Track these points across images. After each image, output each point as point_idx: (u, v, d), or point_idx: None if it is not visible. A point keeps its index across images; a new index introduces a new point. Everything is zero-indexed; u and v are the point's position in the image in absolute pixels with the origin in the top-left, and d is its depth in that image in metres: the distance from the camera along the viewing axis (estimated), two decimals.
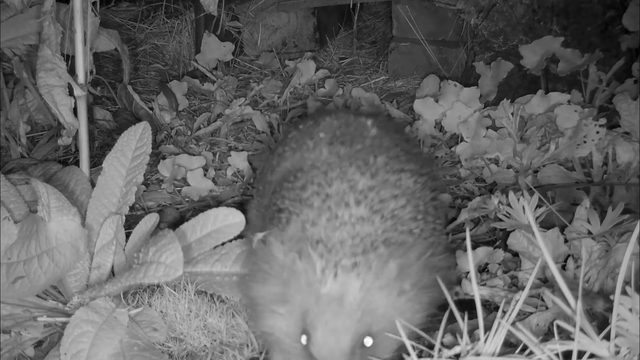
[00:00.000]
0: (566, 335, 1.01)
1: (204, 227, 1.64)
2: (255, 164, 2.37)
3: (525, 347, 1.02)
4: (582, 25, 2.72)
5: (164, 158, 2.38)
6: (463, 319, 1.04)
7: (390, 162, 1.33)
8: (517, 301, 1.05)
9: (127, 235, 1.62)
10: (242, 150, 2.48)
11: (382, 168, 1.30)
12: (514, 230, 1.62)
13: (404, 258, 1.16)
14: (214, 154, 2.48)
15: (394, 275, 1.14)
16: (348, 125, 1.48)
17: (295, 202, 1.28)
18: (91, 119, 2.47)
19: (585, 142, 2.19)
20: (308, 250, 1.16)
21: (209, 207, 1.70)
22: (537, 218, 1.64)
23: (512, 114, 2.32)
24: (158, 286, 1.57)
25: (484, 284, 1.64)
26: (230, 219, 1.57)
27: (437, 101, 2.47)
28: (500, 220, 1.66)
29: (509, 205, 1.62)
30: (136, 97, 2.63)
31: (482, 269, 1.72)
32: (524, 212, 1.59)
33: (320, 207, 1.23)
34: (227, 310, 1.51)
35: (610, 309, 1.00)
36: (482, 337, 1.03)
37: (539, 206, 1.63)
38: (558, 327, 1.13)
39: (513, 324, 1.05)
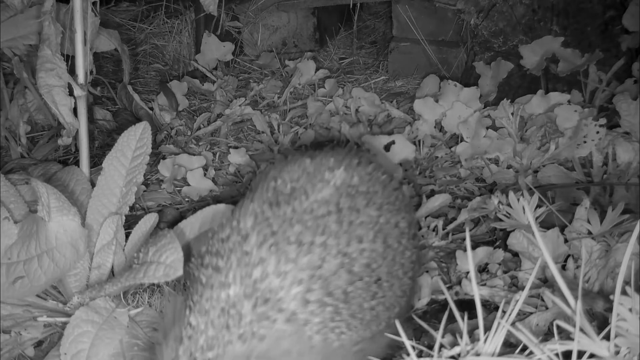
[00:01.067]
0: (566, 335, 1.01)
1: (203, 225, 1.64)
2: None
3: (525, 347, 1.02)
4: (582, 25, 2.72)
5: (164, 158, 2.38)
6: (463, 319, 1.04)
7: (305, 231, 1.12)
8: (517, 301, 1.05)
9: (127, 235, 1.62)
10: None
11: (286, 239, 1.11)
12: (514, 230, 1.62)
13: (267, 355, 1.04)
14: (214, 154, 2.48)
15: None
16: (307, 175, 1.25)
17: (194, 269, 1.18)
18: (91, 119, 2.47)
19: (585, 142, 2.19)
20: (177, 330, 1.10)
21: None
22: (537, 218, 1.64)
23: (512, 114, 2.32)
24: (158, 286, 1.57)
25: (484, 284, 1.64)
26: (228, 216, 1.57)
27: (437, 101, 2.48)
28: (500, 220, 1.66)
29: (509, 205, 1.62)
30: (136, 97, 2.63)
31: (482, 269, 1.72)
32: (524, 212, 1.59)
33: (206, 283, 1.10)
34: None
35: (610, 309, 1.00)
36: (482, 337, 1.03)
37: (539, 206, 1.63)
38: (558, 327, 1.13)
39: (513, 324, 1.05)
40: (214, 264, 1.12)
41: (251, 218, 1.16)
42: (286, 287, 1.07)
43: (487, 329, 1.03)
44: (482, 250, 1.71)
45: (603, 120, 2.20)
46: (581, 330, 0.94)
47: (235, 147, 2.49)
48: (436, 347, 1.03)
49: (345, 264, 1.13)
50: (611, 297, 0.97)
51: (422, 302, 1.63)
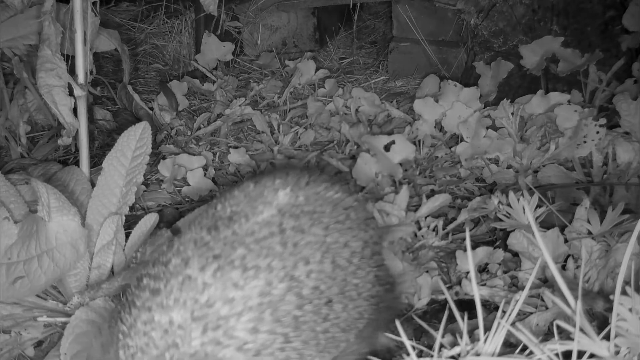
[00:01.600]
0: (566, 335, 1.01)
1: None
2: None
3: (525, 347, 1.02)
4: (582, 25, 2.72)
5: (164, 158, 2.38)
6: (463, 319, 1.04)
7: (249, 255, 1.08)
8: (517, 301, 1.05)
9: (127, 235, 1.62)
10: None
11: (230, 263, 1.06)
12: (514, 230, 1.62)
13: None
14: (214, 154, 2.48)
15: None
16: (249, 198, 1.19)
17: (128, 294, 1.12)
18: (91, 119, 2.47)
19: (585, 142, 2.19)
20: (113, 356, 1.06)
21: None
22: (537, 218, 1.64)
23: (512, 114, 2.32)
24: None
25: (484, 284, 1.64)
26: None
27: (437, 101, 2.48)
28: (500, 220, 1.66)
29: (509, 205, 1.62)
30: (136, 97, 2.63)
31: (482, 269, 1.72)
32: (524, 212, 1.59)
33: (142, 306, 1.05)
34: None
35: (610, 309, 1.00)
36: (482, 337, 1.03)
37: (539, 206, 1.63)
38: (558, 327, 1.13)
39: (513, 324, 1.05)
40: (152, 286, 1.07)
41: (191, 244, 1.11)
42: (236, 315, 1.03)
43: (487, 329, 1.03)
44: (482, 250, 1.71)
45: (603, 120, 2.20)
46: (581, 330, 0.94)
47: (235, 147, 2.49)
48: (436, 347, 1.03)
49: (293, 288, 1.08)
50: (611, 297, 0.97)
51: (422, 302, 1.63)
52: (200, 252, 1.08)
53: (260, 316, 1.04)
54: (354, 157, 2.33)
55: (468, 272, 1.69)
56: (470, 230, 1.89)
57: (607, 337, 0.96)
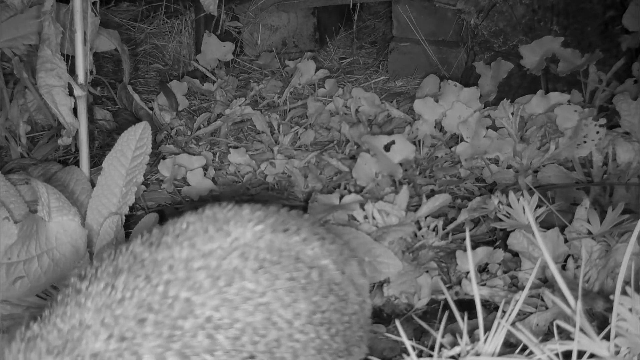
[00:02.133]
0: (566, 335, 1.01)
1: None
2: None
3: (525, 347, 1.02)
4: (582, 25, 2.72)
5: (164, 158, 2.38)
6: (463, 319, 1.04)
7: (173, 282, 1.04)
8: (517, 301, 1.05)
9: (127, 235, 1.62)
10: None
11: (154, 286, 1.03)
12: (514, 230, 1.62)
13: None
14: (214, 154, 2.48)
15: None
16: (212, 222, 1.14)
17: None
18: (91, 119, 2.47)
19: (585, 142, 2.20)
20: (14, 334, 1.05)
21: None
22: (537, 218, 1.64)
23: (512, 114, 2.32)
24: None
25: (484, 284, 1.64)
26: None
27: (437, 101, 2.48)
28: (500, 220, 1.66)
29: (509, 205, 1.62)
30: (136, 97, 2.63)
31: (482, 269, 1.72)
32: (524, 212, 1.59)
33: (61, 301, 1.05)
34: None
35: (610, 309, 1.00)
36: (482, 337, 1.03)
37: (539, 206, 1.64)
38: (558, 327, 1.13)
39: (513, 324, 1.05)
40: (76, 286, 1.06)
41: (131, 257, 1.09)
42: (144, 335, 1.00)
43: (487, 329, 1.03)
44: (482, 250, 1.71)
45: (603, 120, 2.20)
46: (581, 330, 0.95)
47: (235, 147, 2.49)
48: (436, 347, 1.03)
49: (207, 328, 1.01)
50: (611, 297, 0.97)
51: (422, 302, 1.63)
52: (133, 269, 1.06)
53: (168, 345, 1.00)
54: (354, 157, 2.33)
55: (468, 272, 1.69)
56: (470, 230, 1.89)
57: (607, 337, 0.96)
